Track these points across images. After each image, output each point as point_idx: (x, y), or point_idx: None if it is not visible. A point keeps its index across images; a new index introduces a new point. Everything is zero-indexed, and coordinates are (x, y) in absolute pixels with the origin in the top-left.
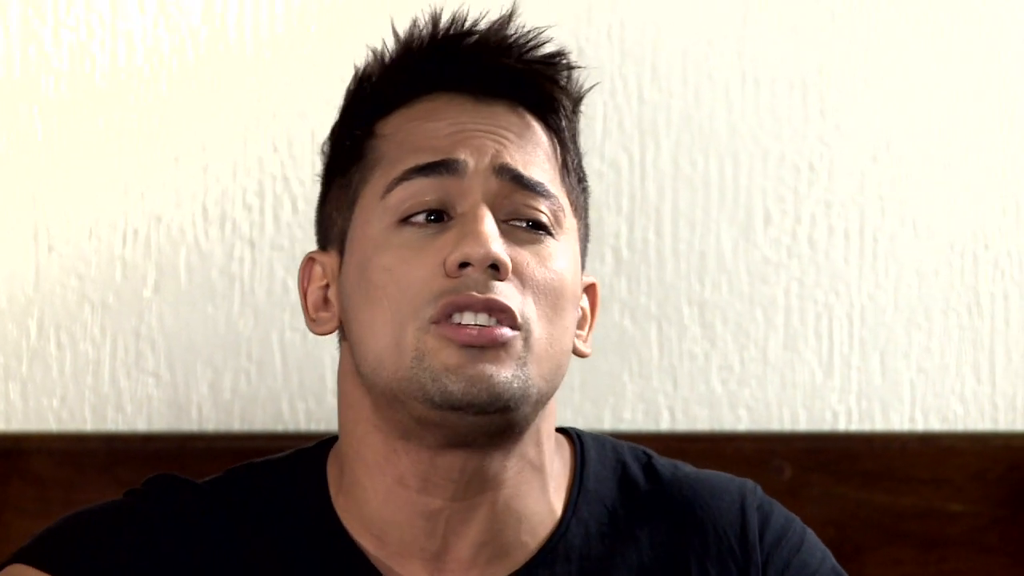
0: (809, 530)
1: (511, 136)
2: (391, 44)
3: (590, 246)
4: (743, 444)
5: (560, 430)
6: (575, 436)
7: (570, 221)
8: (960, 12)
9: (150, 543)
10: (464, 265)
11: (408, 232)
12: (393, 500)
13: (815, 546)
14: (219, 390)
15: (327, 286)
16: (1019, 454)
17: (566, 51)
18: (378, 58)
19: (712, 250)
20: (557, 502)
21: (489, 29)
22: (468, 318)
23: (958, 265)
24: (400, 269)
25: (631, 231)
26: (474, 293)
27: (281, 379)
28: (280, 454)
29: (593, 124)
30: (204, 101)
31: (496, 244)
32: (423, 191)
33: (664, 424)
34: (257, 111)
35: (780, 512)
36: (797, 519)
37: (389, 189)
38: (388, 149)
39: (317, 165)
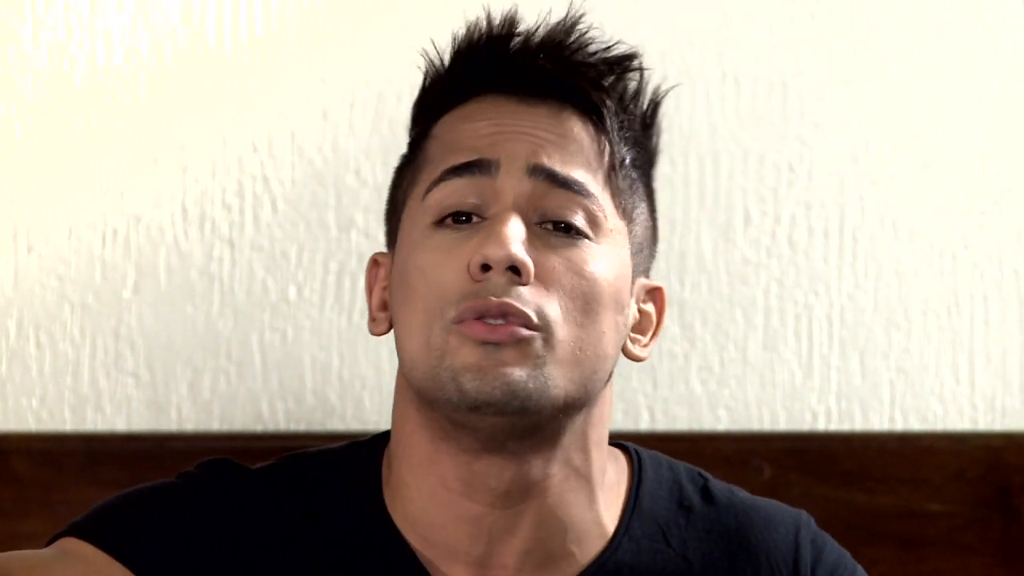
0: (859, 566)
1: (550, 136)
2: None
3: None
4: (723, 444)
5: (618, 444)
6: (633, 452)
7: (614, 223)
8: (940, 13)
9: (202, 525)
10: (487, 268)
11: (442, 234)
12: (437, 502)
13: None
14: (199, 390)
15: (386, 287)
16: (998, 454)
17: (638, 53)
18: (436, 61)
19: (692, 250)
20: (608, 515)
21: (536, 31)
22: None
23: (937, 266)
24: (432, 271)
25: None
26: (491, 298)
27: (260, 379)
28: (333, 446)
29: None
30: (183, 101)
31: (516, 246)
32: (458, 192)
33: (644, 424)
34: (236, 111)
35: (833, 547)
36: (848, 554)
37: (428, 190)
38: (434, 150)
39: (297, 165)
